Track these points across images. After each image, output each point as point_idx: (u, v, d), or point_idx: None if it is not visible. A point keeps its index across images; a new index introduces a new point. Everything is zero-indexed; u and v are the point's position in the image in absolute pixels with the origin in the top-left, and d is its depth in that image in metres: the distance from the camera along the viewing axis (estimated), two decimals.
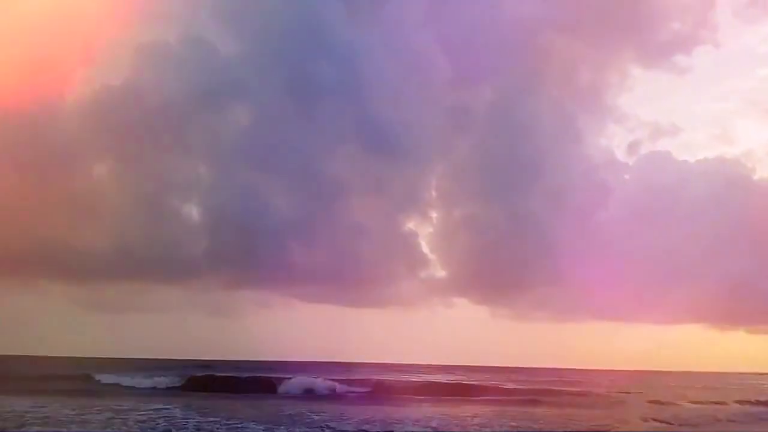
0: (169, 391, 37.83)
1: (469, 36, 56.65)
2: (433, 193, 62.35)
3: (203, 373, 47.97)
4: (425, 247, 63.14)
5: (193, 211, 55.72)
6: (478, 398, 39.31)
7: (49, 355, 71.96)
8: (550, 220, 58.86)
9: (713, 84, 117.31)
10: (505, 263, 60.61)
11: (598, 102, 65.87)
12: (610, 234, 61.32)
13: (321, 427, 22.42)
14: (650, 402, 38.70)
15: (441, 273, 64.40)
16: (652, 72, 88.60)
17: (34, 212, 50.54)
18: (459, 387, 45.76)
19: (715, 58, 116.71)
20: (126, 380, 42.07)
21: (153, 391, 37.56)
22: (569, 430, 24.18)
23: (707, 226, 62.12)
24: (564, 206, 59.00)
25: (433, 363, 79.74)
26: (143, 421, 22.23)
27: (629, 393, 45.68)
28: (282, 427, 21.85)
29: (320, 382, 42.87)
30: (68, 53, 50.43)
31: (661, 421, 28.51)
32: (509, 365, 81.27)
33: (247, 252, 54.12)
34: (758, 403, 41.08)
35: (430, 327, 78.16)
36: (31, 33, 48.54)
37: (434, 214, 63.10)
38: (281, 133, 55.46)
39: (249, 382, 42.59)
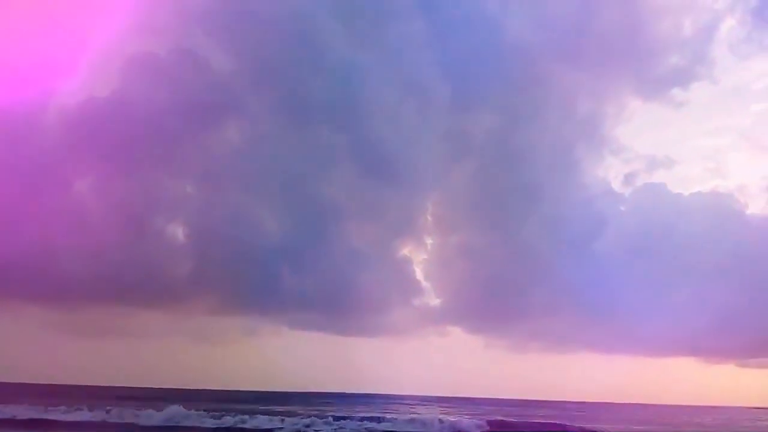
0: None
1: (469, 61, 55.90)
2: (429, 219, 61.20)
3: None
4: (420, 274, 61.54)
5: (178, 232, 53.47)
6: None
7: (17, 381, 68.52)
8: (546, 249, 58.06)
9: (708, 118, 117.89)
10: (500, 292, 59.47)
11: (596, 132, 65.45)
12: (606, 264, 60.33)
13: None
14: None
15: (435, 301, 62.80)
16: (650, 104, 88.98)
17: (8, 229, 47.95)
18: None
19: (711, 92, 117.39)
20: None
21: None
22: None
23: (700, 259, 61.71)
24: (560, 236, 58.31)
25: (427, 394, 77.56)
26: None
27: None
28: None
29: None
30: (51, 62, 48.48)
31: None
32: (504, 397, 79.46)
33: (235, 276, 52.02)
34: None
35: (423, 356, 76.14)
36: (12, 40, 46.68)
37: (429, 241, 61.98)
38: (274, 153, 53.91)
39: None
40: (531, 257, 57.55)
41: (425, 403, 67.81)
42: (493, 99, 57.83)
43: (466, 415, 38.49)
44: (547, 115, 59.28)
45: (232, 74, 52.77)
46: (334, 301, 55.46)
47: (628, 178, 78.07)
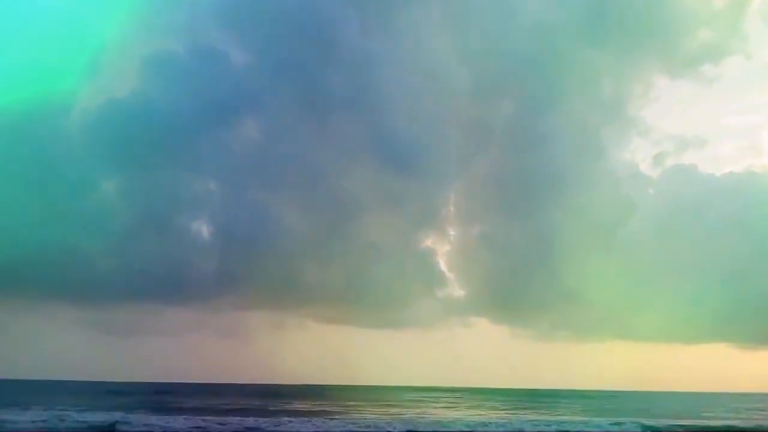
0: None
1: (487, 46, 54.92)
2: (451, 210, 60.75)
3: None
4: (443, 266, 61.36)
5: (203, 229, 53.98)
6: None
7: (57, 379, 70.22)
8: (572, 236, 56.90)
9: (741, 95, 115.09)
10: (525, 282, 58.69)
11: (622, 114, 63.85)
12: (634, 250, 59.36)
13: None
14: None
15: (459, 292, 62.52)
16: (679, 82, 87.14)
17: (41, 231, 48.93)
18: None
19: (744, 68, 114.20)
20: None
21: None
22: None
23: (734, 242, 60.15)
24: (586, 222, 57.14)
25: (454, 385, 77.43)
26: None
27: None
28: None
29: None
30: (72, 64, 49.12)
31: None
32: (531, 387, 78.78)
33: (259, 271, 52.45)
34: None
35: (448, 348, 75.78)
36: (35, 43, 47.38)
37: (452, 232, 61.61)
38: (293, 148, 53.90)
39: None
40: (556, 246, 56.55)
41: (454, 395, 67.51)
42: (514, 85, 57.00)
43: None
44: (570, 98, 57.94)
45: (250, 70, 52.94)
46: (358, 294, 55.57)
47: (657, 160, 75.85)
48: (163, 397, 47.74)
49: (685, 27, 63.15)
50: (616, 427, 34.18)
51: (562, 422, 36.07)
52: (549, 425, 34.43)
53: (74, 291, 53.76)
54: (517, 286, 58.10)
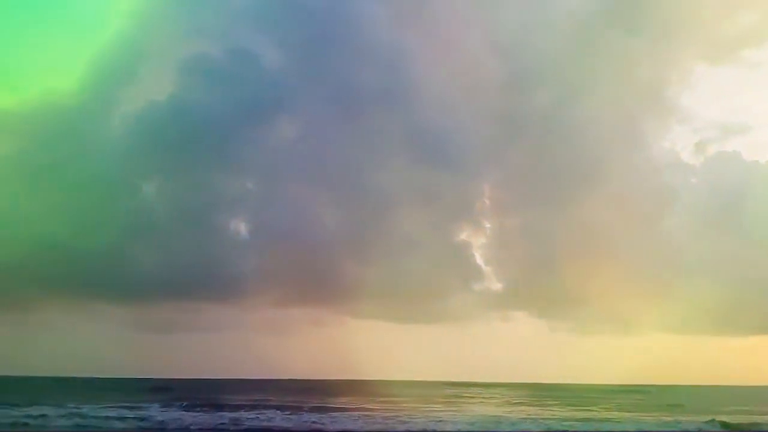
0: None
1: (520, 37, 54.43)
2: (486, 202, 60.30)
3: None
4: (479, 259, 60.87)
5: (241, 228, 54.78)
6: None
7: (101, 376, 72.01)
8: (611, 227, 56.04)
9: None
10: (564, 274, 57.69)
11: (660, 101, 62.73)
12: (677, 241, 57.99)
13: None
14: None
15: (497, 285, 61.97)
16: (719, 68, 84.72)
17: (86, 234, 50.34)
18: None
19: None
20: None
21: None
22: None
23: None
24: (626, 213, 56.22)
25: (493, 381, 76.86)
26: None
27: None
28: None
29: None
30: (112, 70, 50.33)
31: None
32: (573, 382, 77.67)
33: (297, 268, 52.81)
34: None
35: (486, 342, 75.25)
36: (75, 51, 48.63)
37: (488, 224, 61.03)
38: (328, 145, 54.41)
39: None
40: (595, 237, 55.70)
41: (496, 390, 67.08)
42: (548, 74, 56.29)
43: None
44: (606, 86, 57.11)
45: (283, 70, 53.67)
46: (395, 289, 55.53)
47: (699, 148, 74.63)
48: (204, 393, 48.49)
49: (725, 11, 61.67)
50: (693, 426, 32.76)
51: (616, 420, 35.30)
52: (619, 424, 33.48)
53: (117, 290, 55.05)
54: (555, 279, 57.30)
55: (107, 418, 31.72)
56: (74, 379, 68.54)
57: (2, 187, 48.10)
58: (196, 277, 52.57)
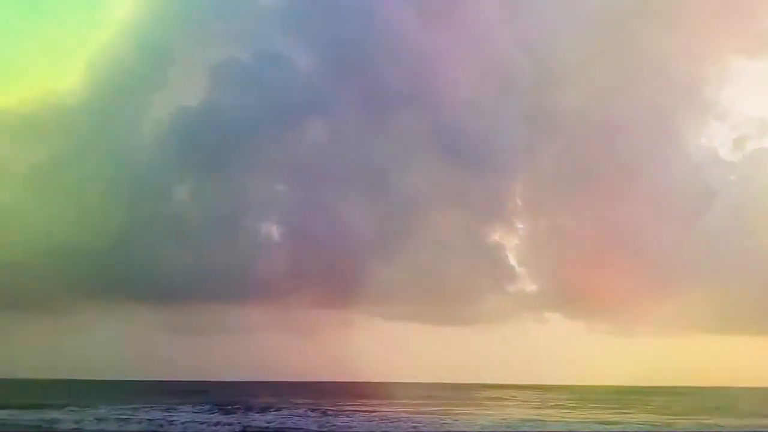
0: None
1: (550, 33, 53.52)
2: (519, 202, 59.38)
3: None
4: (512, 260, 59.94)
5: (272, 230, 55.00)
6: None
7: (138, 379, 72.91)
8: (647, 226, 54.82)
9: None
10: (600, 275, 56.51)
11: (697, 97, 60.91)
12: (716, 240, 56.57)
13: None
14: None
15: (531, 287, 61.08)
16: (757, 62, 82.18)
17: (122, 237, 51.04)
18: None
19: None
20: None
21: None
22: None
23: None
24: (663, 211, 54.96)
25: (528, 383, 75.89)
26: None
27: None
28: None
29: None
30: (145, 75, 50.92)
31: None
32: (611, 384, 76.15)
33: (328, 270, 52.68)
34: None
35: (521, 345, 74.23)
36: (107, 57, 49.33)
37: (520, 225, 60.14)
38: (358, 146, 54.30)
39: None
40: (632, 236, 54.53)
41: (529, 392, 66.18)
42: (580, 71, 55.20)
43: None
44: (640, 82, 55.91)
45: (313, 72, 53.66)
46: (427, 290, 55.20)
47: (737, 144, 72.58)
48: (235, 395, 48.66)
49: (764, 3, 59.91)
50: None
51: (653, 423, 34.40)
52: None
53: (150, 293, 55.73)
54: (592, 280, 56.08)
55: (140, 420, 31.95)
56: (108, 382, 69.52)
57: (35, 192, 48.98)
58: (227, 280, 52.85)
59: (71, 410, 34.60)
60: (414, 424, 31.70)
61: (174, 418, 32.94)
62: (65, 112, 50.59)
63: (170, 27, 53.46)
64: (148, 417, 33.00)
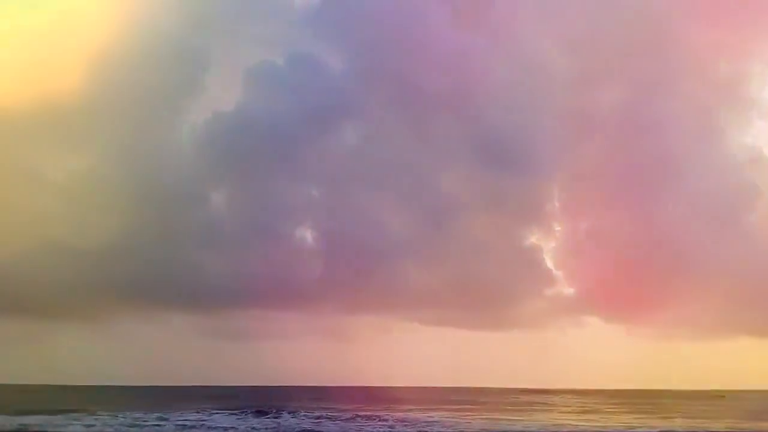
0: None
1: (590, 31, 52.55)
2: (556, 205, 58.47)
3: None
4: (550, 263, 59.00)
5: (307, 235, 54.94)
6: None
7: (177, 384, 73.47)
8: (689, 227, 53.47)
9: None
10: (640, 277, 55.41)
11: (740, 95, 59.32)
12: (760, 240, 54.87)
13: None
14: None
15: (568, 290, 60.08)
16: None
17: (160, 245, 51.61)
18: None
19: None
20: None
21: None
22: None
23: None
24: (706, 212, 53.54)
25: (566, 387, 74.64)
26: None
27: None
28: None
29: None
30: (180, 82, 51.27)
31: None
32: (652, 388, 74.67)
33: (365, 275, 52.57)
34: None
35: (559, 349, 73.02)
36: (145, 67, 49.78)
37: (558, 227, 59.25)
38: (393, 150, 54.04)
39: None
40: (673, 237, 53.15)
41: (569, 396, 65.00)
42: (620, 70, 54.32)
43: None
44: (683, 80, 54.54)
45: (347, 76, 53.75)
46: (464, 295, 54.64)
47: None
48: (273, 400, 48.60)
49: None
50: None
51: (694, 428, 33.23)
52: None
53: (189, 299, 56.10)
54: (630, 282, 55.01)
55: (175, 424, 31.99)
56: (150, 387, 70.19)
57: (72, 200, 49.59)
58: (264, 285, 53.09)
59: (113, 415, 34.80)
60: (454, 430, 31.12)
61: (209, 423, 32.91)
62: (102, 119, 51.18)
63: (205, 33, 53.99)
64: (183, 421, 33.01)
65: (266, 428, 31.51)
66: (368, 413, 37.81)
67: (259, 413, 36.88)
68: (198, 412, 37.13)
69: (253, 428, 31.53)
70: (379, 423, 33.69)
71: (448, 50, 50.74)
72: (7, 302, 53.29)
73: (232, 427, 31.62)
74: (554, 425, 34.27)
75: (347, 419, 34.98)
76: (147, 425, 31.86)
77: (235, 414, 36.80)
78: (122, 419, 33.15)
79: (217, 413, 37.03)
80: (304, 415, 36.23)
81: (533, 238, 57.96)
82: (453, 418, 37.20)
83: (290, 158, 53.93)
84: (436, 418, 36.45)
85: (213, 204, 54.09)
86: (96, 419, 33.03)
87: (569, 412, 45.31)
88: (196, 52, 52.38)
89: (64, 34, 45.10)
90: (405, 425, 33.15)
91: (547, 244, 59.47)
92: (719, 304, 56.16)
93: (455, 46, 50.86)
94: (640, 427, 33.56)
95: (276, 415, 36.24)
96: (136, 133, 52.16)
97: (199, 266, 52.30)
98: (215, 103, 52.89)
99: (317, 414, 36.99)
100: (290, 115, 51.89)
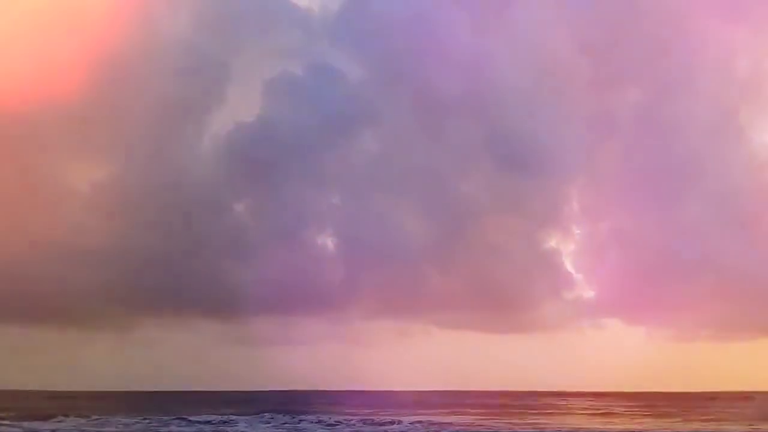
0: None
1: (609, 32, 52.17)
2: (575, 207, 58.17)
3: None
4: (569, 266, 58.64)
5: (328, 242, 55.67)
6: None
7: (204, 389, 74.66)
8: (710, 228, 52.86)
9: None
10: (660, 279, 54.86)
11: (762, 93, 58.37)
12: None
13: None
14: None
15: (588, 293, 59.53)
16: None
17: (183, 253, 52.68)
18: None
19: None
20: None
21: None
22: None
23: None
24: (727, 213, 52.90)
25: (586, 390, 74.12)
26: None
27: None
28: None
29: None
30: (201, 95, 52.34)
31: None
32: (673, 390, 73.80)
33: (384, 280, 52.96)
34: None
35: (579, 352, 72.57)
36: (164, 77, 50.82)
37: (577, 230, 58.81)
38: (412, 155, 54.47)
39: None
40: (694, 238, 52.60)
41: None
42: (640, 70, 53.95)
43: None
44: (703, 79, 53.77)
45: (365, 83, 54.31)
46: (483, 298, 54.71)
47: None
48: (296, 405, 49.27)
49: None
50: None
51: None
52: None
53: (213, 306, 56.98)
54: (651, 284, 54.51)
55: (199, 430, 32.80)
56: (174, 392, 71.40)
57: (96, 210, 50.64)
58: (286, 292, 53.64)
59: (138, 419, 35.74)
60: None
61: (231, 426, 33.70)
62: (126, 130, 52.32)
63: (226, 45, 54.85)
64: (204, 424, 33.81)
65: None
66: (386, 417, 38.31)
67: (284, 416, 37.77)
68: (221, 415, 38.00)
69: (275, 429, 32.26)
70: (398, 426, 34.18)
71: (467, 55, 51.04)
72: (38, 311, 54.84)
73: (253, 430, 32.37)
74: (573, 427, 34.40)
75: (366, 423, 35.50)
76: (171, 428, 32.75)
77: (257, 417, 37.69)
78: (147, 423, 34.09)
79: (238, 417, 37.87)
80: (323, 419, 36.86)
81: (552, 241, 57.82)
82: (471, 421, 37.54)
83: (311, 166, 54.72)
84: (453, 422, 36.84)
85: (236, 213, 55.07)
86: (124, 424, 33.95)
87: (589, 415, 45.31)
88: (218, 65, 53.38)
89: (88, 49, 46.19)
90: (424, 429, 33.58)
91: (566, 246, 59.26)
92: (742, 305, 55.27)
93: (473, 50, 51.13)
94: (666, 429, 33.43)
95: (297, 419, 37.01)
96: (160, 143, 53.16)
97: (223, 274, 53.24)
98: (237, 115, 53.64)
99: (337, 419, 37.58)
100: (310, 124, 52.72)
